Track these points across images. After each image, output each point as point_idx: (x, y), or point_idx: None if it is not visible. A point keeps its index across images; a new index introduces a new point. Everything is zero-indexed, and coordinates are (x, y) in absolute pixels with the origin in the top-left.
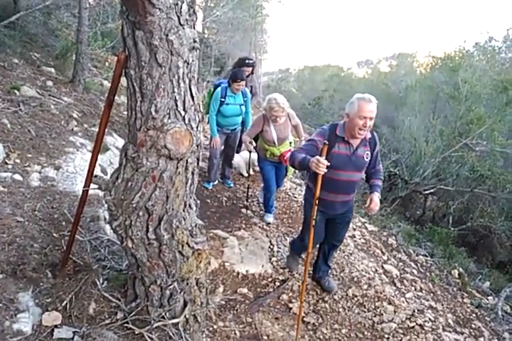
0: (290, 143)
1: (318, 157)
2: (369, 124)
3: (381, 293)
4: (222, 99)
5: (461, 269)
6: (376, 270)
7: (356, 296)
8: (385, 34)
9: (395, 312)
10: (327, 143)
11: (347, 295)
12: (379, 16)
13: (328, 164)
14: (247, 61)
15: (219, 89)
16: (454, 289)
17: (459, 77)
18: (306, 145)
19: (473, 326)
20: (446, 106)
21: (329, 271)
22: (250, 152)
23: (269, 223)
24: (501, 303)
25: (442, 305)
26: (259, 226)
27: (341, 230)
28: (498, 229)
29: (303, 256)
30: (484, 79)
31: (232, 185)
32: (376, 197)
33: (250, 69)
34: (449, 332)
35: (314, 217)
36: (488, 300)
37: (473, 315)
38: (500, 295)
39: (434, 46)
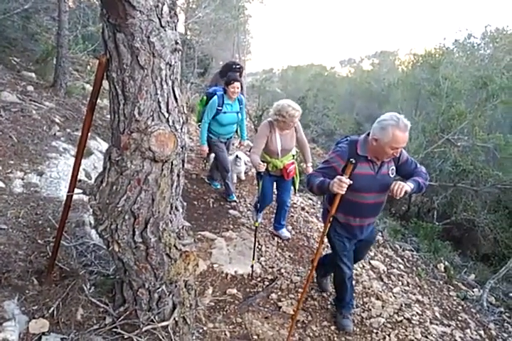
0: (293, 155)
1: (339, 176)
2: (399, 151)
3: (369, 289)
4: (219, 108)
5: (446, 263)
6: (363, 266)
7: None
8: (367, 33)
9: (382, 307)
10: (354, 161)
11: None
12: (360, 15)
13: (351, 182)
14: (234, 66)
15: (215, 97)
16: (440, 282)
17: (440, 73)
18: (322, 167)
19: (459, 318)
20: (427, 103)
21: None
22: (259, 173)
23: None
24: (486, 295)
25: (429, 298)
26: (247, 227)
27: (364, 249)
28: (481, 222)
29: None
30: (464, 76)
31: (219, 186)
32: (402, 183)
33: (238, 74)
34: (437, 324)
35: (326, 233)
36: (473, 292)
37: (460, 307)
38: (485, 287)
39: (415, 44)
